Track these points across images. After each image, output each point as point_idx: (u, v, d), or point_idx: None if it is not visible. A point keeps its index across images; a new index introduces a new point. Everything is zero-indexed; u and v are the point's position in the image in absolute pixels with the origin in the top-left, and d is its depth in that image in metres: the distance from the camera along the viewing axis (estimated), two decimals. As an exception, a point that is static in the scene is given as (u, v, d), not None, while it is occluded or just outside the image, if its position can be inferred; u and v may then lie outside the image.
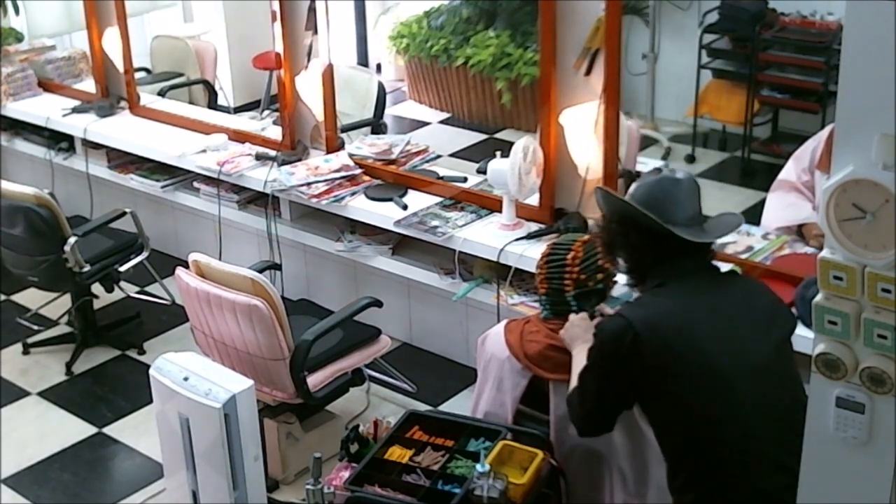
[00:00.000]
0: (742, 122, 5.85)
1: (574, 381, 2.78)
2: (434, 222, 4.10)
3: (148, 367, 3.33)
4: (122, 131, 5.22)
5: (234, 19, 6.46)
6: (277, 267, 4.43)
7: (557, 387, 3.02)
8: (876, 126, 2.50)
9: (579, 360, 2.82)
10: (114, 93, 5.46)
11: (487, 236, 3.97)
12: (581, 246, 3.07)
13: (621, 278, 3.08)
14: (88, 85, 5.63)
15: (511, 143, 3.90)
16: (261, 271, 3.82)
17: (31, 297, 5.18)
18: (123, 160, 5.28)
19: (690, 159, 5.85)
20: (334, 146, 4.63)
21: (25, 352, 4.82)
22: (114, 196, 5.41)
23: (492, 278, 4.00)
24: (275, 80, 4.91)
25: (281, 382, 3.67)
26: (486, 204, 4.14)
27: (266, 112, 5.68)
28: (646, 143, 5.79)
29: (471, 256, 4.05)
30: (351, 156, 4.55)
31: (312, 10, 4.43)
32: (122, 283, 4.84)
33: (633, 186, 2.70)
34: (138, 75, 5.55)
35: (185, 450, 3.22)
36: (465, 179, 4.36)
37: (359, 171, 4.46)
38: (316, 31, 4.47)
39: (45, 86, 5.73)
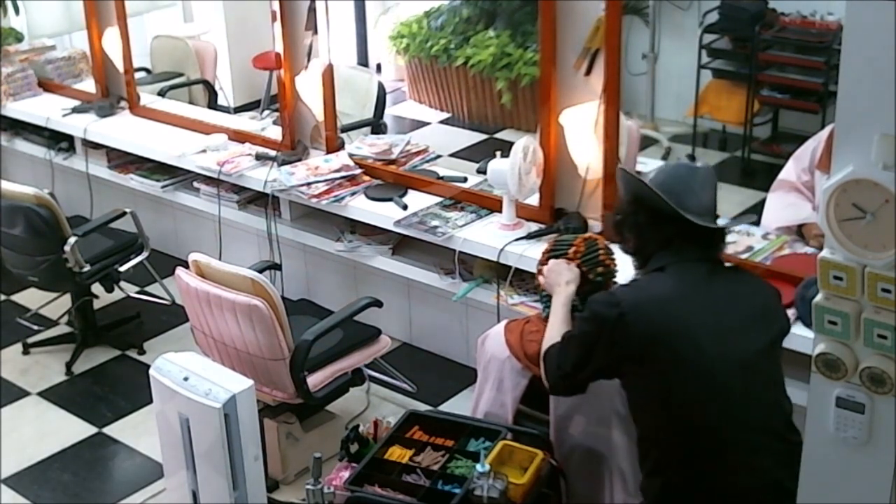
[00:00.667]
0: (742, 122, 5.85)
1: (550, 332, 2.81)
2: (434, 222, 4.10)
3: (148, 367, 3.32)
4: (122, 131, 5.22)
5: (234, 19, 6.46)
6: (277, 267, 4.43)
7: (557, 387, 3.02)
8: (876, 126, 2.50)
9: (557, 305, 2.90)
10: (114, 93, 5.46)
11: (487, 236, 3.97)
12: (583, 241, 3.08)
13: (620, 278, 3.08)
14: (88, 85, 5.63)
15: (511, 143, 3.90)
16: (261, 271, 3.82)
17: (31, 297, 5.18)
18: (123, 160, 5.28)
19: (690, 159, 5.84)
20: (334, 146, 4.63)
21: (25, 352, 4.82)
22: (114, 196, 5.41)
23: (492, 278, 4.00)
24: (275, 80, 4.91)
25: (281, 382, 3.67)
26: (486, 204, 4.14)
27: (266, 112, 5.68)
28: (646, 143, 5.79)
29: (471, 256, 4.05)
30: (351, 156, 4.55)
31: (312, 10, 4.43)
32: (122, 283, 4.84)
33: (654, 171, 2.74)
34: (138, 75, 5.55)
35: (185, 450, 3.22)
36: (465, 179, 4.36)
37: (359, 171, 4.46)
38: (316, 31, 4.47)
39: (45, 86, 5.73)
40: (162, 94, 5.68)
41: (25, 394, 4.55)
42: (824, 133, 3.78)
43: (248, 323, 3.55)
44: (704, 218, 2.60)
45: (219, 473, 3.14)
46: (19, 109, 5.60)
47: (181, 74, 5.98)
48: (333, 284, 4.84)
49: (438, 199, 4.27)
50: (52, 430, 4.30)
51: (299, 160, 4.61)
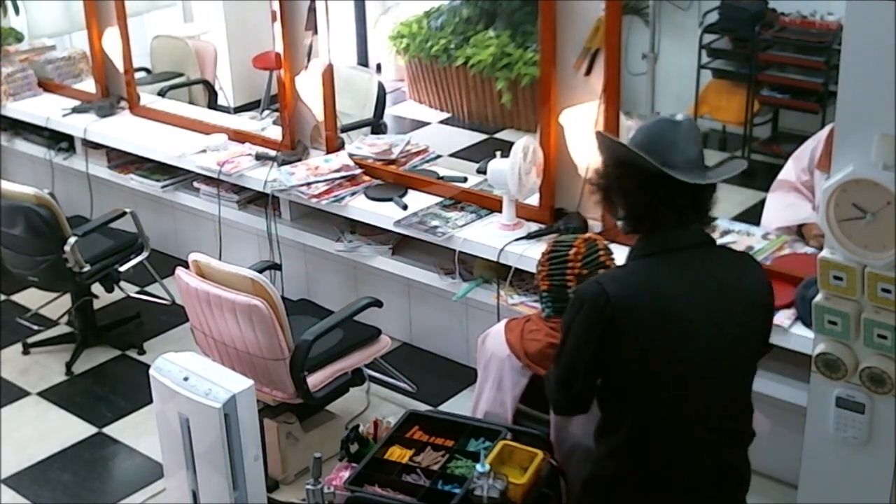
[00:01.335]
0: (742, 122, 5.85)
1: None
2: (434, 222, 4.10)
3: (148, 367, 3.32)
4: (122, 131, 5.22)
5: (234, 19, 6.47)
6: (277, 267, 4.43)
7: (557, 386, 3.02)
8: (876, 126, 2.50)
9: None
10: (114, 93, 5.46)
11: (487, 236, 3.97)
12: (583, 242, 3.07)
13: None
14: (88, 85, 5.63)
15: (511, 143, 3.90)
16: (261, 271, 3.82)
17: (31, 297, 5.18)
18: (123, 160, 5.28)
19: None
20: (334, 146, 4.63)
21: (25, 352, 4.82)
22: (114, 196, 5.41)
23: (492, 278, 4.00)
24: (275, 80, 4.91)
25: (281, 382, 3.67)
26: (486, 204, 4.14)
27: (266, 112, 5.68)
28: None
29: (471, 256, 4.05)
30: (351, 156, 4.55)
31: (312, 10, 4.43)
32: (122, 283, 4.84)
33: (632, 131, 2.63)
34: (138, 75, 5.55)
35: (185, 450, 3.22)
36: (465, 179, 4.36)
37: (359, 171, 4.46)
38: (316, 31, 4.47)
39: (45, 86, 5.73)
40: (162, 94, 5.68)
41: (25, 394, 4.55)
42: (824, 133, 3.78)
43: (248, 323, 3.55)
44: (693, 173, 2.47)
45: (219, 473, 3.14)
46: (19, 109, 5.60)
47: (181, 74, 5.98)
48: (333, 284, 4.84)
49: (438, 199, 4.27)
50: (52, 430, 4.30)
51: (299, 160, 4.61)
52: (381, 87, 5.50)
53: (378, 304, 3.96)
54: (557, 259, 3.07)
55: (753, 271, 2.58)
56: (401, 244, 4.33)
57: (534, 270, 3.24)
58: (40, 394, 4.55)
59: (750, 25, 5.72)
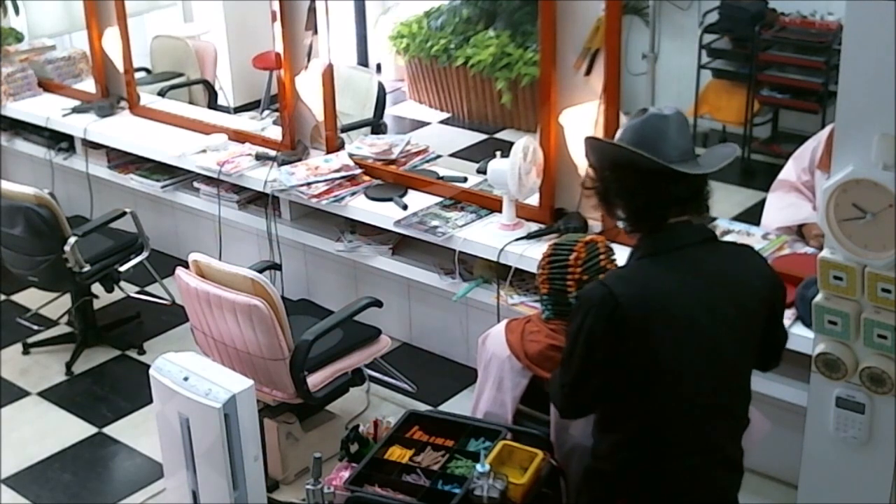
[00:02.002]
0: (742, 122, 5.86)
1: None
2: (434, 222, 4.10)
3: (148, 367, 3.33)
4: (122, 131, 5.22)
5: (234, 19, 6.47)
6: (277, 267, 4.43)
7: (557, 387, 3.01)
8: (876, 126, 2.50)
9: None
10: (114, 93, 5.46)
11: (487, 236, 3.97)
12: (583, 246, 3.06)
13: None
14: (88, 85, 5.63)
15: (511, 143, 3.90)
16: (261, 271, 3.82)
17: (31, 297, 5.18)
18: (123, 160, 5.28)
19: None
20: (334, 146, 4.63)
21: (25, 352, 4.82)
22: (114, 196, 5.41)
23: (492, 278, 4.00)
24: (275, 80, 4.91)
25: (281, 382, 3.67)
26: (486, 204, 4.14)
27: (266, 112, 5.68)
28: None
29: (471, 256, 4.05)
30: (351, 156, 4.55)
31: (312, 10, 4.43)
32: (122, 283, 4.83)
33: (620, 129, 2.62)
34: (138, 75, 5.55)
35: (185, 450, 3.22)
36: (465, 179, 4.36)
37: (359, 171, 4.46)
38: (316, 31, 4.47)
39: (45, 86, 5.73)
40: (162, 94, 5.68)
41: (25, 394, 4.55)
42: (824, 133, 3.78)
43: (248, 323, 3.55)
44: (689, 163, 2.48)
45: (219, 473, 3.15)
46: (19, 109, 5.60)
47: (181, 74, 5.98)
48: (333, 284, 4.84)
49: (438, 199, 4.27)
50: (52, 430, 4.30)
51: (299, 160, 4.61)
52: (381, 87, 5.51)
53: (378, 304, 3.96)
54: (558, 264, 3.06)
55: (756, 264, 2.58)
56: (401, 244, 4.33)
57: (534, 270, 3.24)
58: (40, 394, 4.55)
59: (750, 25, 5.72)
